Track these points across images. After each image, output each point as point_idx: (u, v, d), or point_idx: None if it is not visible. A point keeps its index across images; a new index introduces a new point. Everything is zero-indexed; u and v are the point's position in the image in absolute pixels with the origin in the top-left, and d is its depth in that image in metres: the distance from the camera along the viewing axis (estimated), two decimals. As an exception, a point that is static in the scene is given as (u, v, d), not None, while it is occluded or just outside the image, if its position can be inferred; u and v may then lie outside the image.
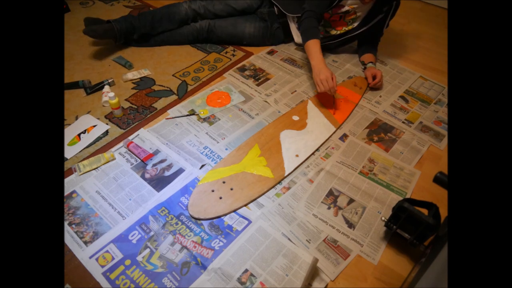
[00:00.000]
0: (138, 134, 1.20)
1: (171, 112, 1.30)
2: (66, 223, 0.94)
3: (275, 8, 1.58)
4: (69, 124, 1.22)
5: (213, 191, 1.02)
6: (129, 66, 1.50)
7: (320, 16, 1.40)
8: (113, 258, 0.87)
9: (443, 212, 0.87)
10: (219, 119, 1.28)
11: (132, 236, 0.92)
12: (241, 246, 0.90)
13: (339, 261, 0.90)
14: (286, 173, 1.09)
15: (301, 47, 1.68)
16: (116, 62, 1.53)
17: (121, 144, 1.16)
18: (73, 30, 1.71)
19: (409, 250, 0.93)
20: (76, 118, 1.25)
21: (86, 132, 1.20)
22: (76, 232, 0.92)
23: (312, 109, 1.32)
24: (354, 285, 0.86)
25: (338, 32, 1.53)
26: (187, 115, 1.26)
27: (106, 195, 1.01)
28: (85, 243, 0.90)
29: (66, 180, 1.05)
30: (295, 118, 1.28)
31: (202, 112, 1.29)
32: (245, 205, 1.01)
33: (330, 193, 1.06)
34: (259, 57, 1.61)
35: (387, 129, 1.29)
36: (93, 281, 0.83)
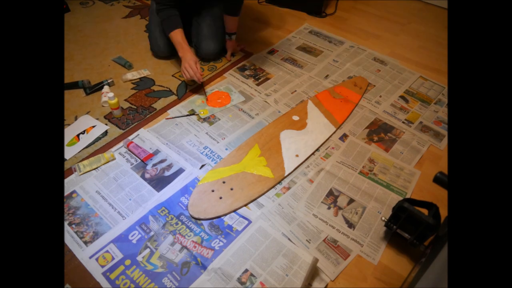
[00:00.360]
0: (138, 134, 1.20)
1: (171, 112, 1.29)
2: (66, 223, 0.94)
3: None
4: (69, 125, 1.22)
5: (213, 191, 1.02)
6: (128, 66, 1.49)
7: (176, 2, 1.31)
8: (113, 258, 0.87)
9: (443, 212, 0.87)
10: (219, 119, 1.28)
11: (132, 236, 0.92)
12: (241, 246, 0.90)
13: (339, 261, 0.90)
14: (286, 173, 1.09)
15: None
16: (115, 62, 1.53)
17: (121, 144, 1.16)
18: (73, 30, 1.71)
19: (409, 250, 0.93)
20: (76, 119, 1.25)
21: (85, 132, 1.20)
22: (76, 232, 0.92)
23: (312, 109, 1.32)
24: (354, 285, 0.86)
25: None
26: (187, 115, 1.26)
27: (106, 195, 1.01)
28: (85, 243, 0.90)
29: (66, 180, 1.05)
30: (295, 118, 1.28)
31: (202, 112, 1.29)
32: (245, 205, 1.01)
33: (330, 193, 1.06)
34: (259, 56, 1.61)
35: (387, 129, 1.29)
36: (93, 281, 0.83)
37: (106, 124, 1.24)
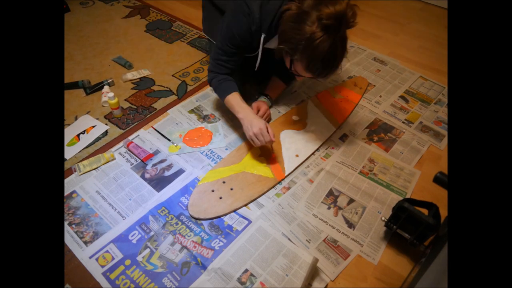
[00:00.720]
0: (138, 135, 1.20)
1: (171, 112, 1.29)
2: (66, 223, 0.94)
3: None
4: (69, 125, 1.22)
5: (213, 191, 1.02)
6: (128, 66, 1.49)
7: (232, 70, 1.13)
8: (113, 258, 0.87)
9: (443, 212, 0.87)
10: (219, 119, 1.28)
11: (132, 236, 0.92)
12: (241, 246, 0.90)
13: (339, 261, 0.90)
14: (286, 173, 1.09)
15: None
16: (115, 62, 1.53)
17: (121, 144, 1.16)
18: (73, 30, 1.71)
19: (409, 250, 0.93)
20: (76, 119, 1.25)
21: (85, 132, 1.20)
22: (76, 232, 0.92)
23: (312, 109, 1.32)
24: (354, 285, 0.86)
25: None
26: (167, 139, 1.17)
27: (106, 195, 1.01)
28: (85, 243, 0.90)
29: (66, 180, 1.05)
30: (295, 118, 1.28)
31: (174, 146, 1.16)
32: (245, 205, 1.00)
33: (330, 193, 1.06)
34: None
35: (387, 129, 1.29)
36: (93, 281, 0.83)
37: (106, 124, 1.24)
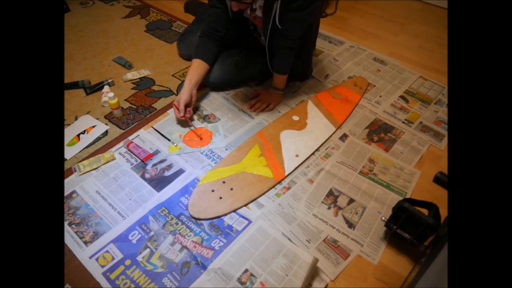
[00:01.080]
0: (138, 135, 1.20)
1: (171, 112, 1.29)
2: (66, 223, 0.94)
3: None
4: (69, 125, 1.22)
5: (213, 191, 1.02)
6: (128, 66, 1.49)
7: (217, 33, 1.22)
8: (113, 258, 0.87)
9: (443, 212, 0.87)
10: (219, 119, 1.28)
11: (132, 236, 0.92)
12: (241, 246, 0.90)
13: (339, 261, 0.90)
14: (286, 173, 1.09)
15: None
16: (115, 62, 1.53)
17: (121, 144, 1.16)
18: (73, 30, 1.71)
19: (409, 250, 0.93)
20: (76, 119, 1.25)
21: (86, 132, 1.20)
22: (76, 232, 0.92)
23: (312, 109, 1.32)
24: (354, 285, 0.86)
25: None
26: (167, 139, 1.18)
27: (106, 195, 1.01)
28: (85, 243, 0.90)
29: (66, 180, 1.05)
30: (295, 118, 1.28)
31: (174, 146, 1.16)
32: (245, 205, 1.01)
33: (330, 193, 1.06)
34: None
35: (387, 129, 1.29)
36: (93, 281, 0.83)
37: (106, 124, 1.24)
